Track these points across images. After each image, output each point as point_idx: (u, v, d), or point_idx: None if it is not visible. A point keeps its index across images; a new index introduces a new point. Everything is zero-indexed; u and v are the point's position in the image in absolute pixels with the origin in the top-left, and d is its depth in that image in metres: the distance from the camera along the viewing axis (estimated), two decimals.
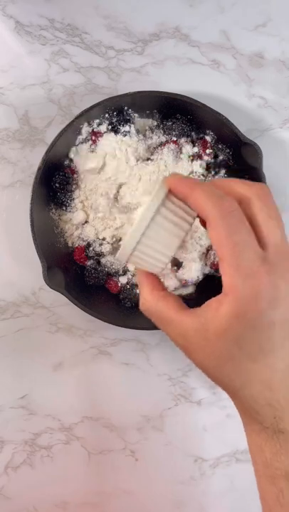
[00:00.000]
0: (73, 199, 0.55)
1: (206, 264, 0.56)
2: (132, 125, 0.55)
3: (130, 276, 0.56)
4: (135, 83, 0.58)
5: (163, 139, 0.55)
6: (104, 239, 0.55)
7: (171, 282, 0.56)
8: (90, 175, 0.54)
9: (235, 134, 0.52)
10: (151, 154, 0.55)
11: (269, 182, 0.52)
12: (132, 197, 0.52)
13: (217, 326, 0.31)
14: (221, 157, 0.55)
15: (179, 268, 0.57)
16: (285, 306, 0.31)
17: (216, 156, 0.56)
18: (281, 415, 0.32)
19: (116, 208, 0.54)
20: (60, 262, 0.54)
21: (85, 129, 0.54)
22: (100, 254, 0.55)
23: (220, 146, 0.55)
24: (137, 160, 0.54)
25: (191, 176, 0.54)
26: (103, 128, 0.54)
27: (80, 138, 0.55)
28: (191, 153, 0.55)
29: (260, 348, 0.31)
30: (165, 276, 0.56)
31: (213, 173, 0.55)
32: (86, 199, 0.55)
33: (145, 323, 0.54)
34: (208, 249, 0.55)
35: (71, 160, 0.55)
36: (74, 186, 0.55)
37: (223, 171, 0.55)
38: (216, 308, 0.32)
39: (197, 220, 0.37)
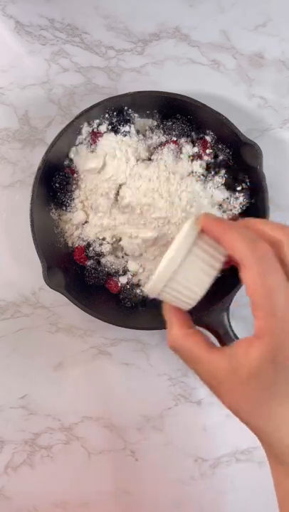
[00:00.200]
0: (73, 199, 0.55)
1: None
2: (132, 125, 0.55)
3: (130, 276, 0.56)
4: (135, 83, 0.58)
5: (163, 139, 0.55)
6: (104, 239, 0.55)
7: None
8: (90, 175, 0.54)
9: (235, 134, 0.52)
10: (151, 154, 0.55)
11: (269, 182, 0.52)
12: (132, 197, 0.52)
13: (249, 369, 0.31)
14: (221, 157, 0.55)
15: None
16: None
17: (216, 156, 0.56)
18: None
19: (116, 208, 0.54)
20: (60, 262, 0.54)
21: (85, 129, 0.54)
22: (100, 254, 0.55)
23: (220, 146, 0.55)
24: (137, 160, 0.54)
25: (191, 176, 0.54)
26: (103, 128, 0.54)
27: (80, 138, 0.55)
28: (191, 153, 0.55)
29: None
30: None
31: (213, 173, 0.55)
32: (86, 199, 0.55)
33: (145, 323, 0.55)
34: None
35: (71, 160, 0.55)
36: (74, 186, 0.55)
37: (223, 171, 0.55)
38: (246, 350, 0.32)
39: None
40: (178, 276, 0.36)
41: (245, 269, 0.32)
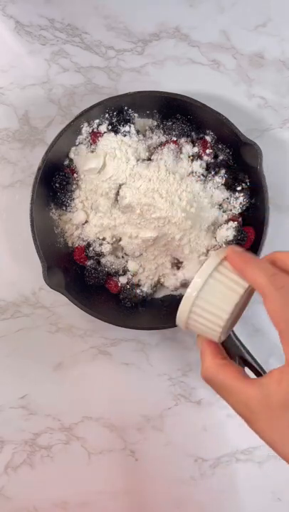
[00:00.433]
0: (73, 199, 0.55)
1: None
2: (132, 125, 0.55)
3: (130, 276, 0.56)
4: (135, 83, 0.58)
5: (163, 139, 0.55)
6: (104, 239, 0.55)
7: (171, 282, 0.56)
8: (90, 175, 0.54)
9: (235, 134, 0.52)
10: (151, 154, 0.55)
11: (269, 182, 0.52)
12: (132, 197, 0.52)
13: (281, 398, 0.32)
14: (221, 157, 0.55)
15: (178, 268, 0.57)
16: None
17: (216, 156, 0.56)
18: None
19: (116, 208, 0.54)
20: (60, 262, 0.54)
21: (85, 129, 0.54)
22: (100, 254, 0.55)
23: (220, 146, 0.55)
24: (137, 160, 0.54)
25: (191, 176, 0.54)
26: (103, 128, 0.54)
27: (80, 138, 0.55)
28: (191, 153, 0.55)
29: None
30: (165, 277, 0.57)
31: (213, 173, 0.55)
32: (86, 199, 0.55)
33: (145, 323, 0.55)
34: (208, 249, 0.55)
35: (71, 160, 0.55)
36: (74, 186, 0.55)
37: (223, 171, 0.54)
38: (279, 380, 0.32)
39: None
40: (201, 302, 0.38)
41: (266, 300, 0.33)
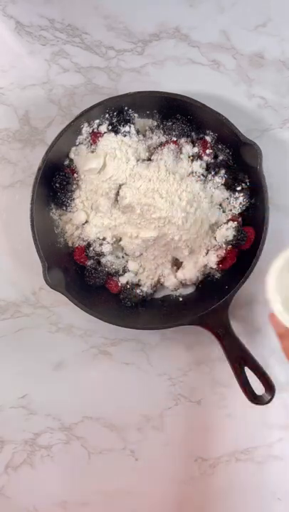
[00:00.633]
0: (73, 199, 0.55)
1: (206, 264, 0.56)
2: (132, 125, 0.55)
3: (130, 276, 0.56)
4: (135, 83, 0.58)
5: (163, 139, 0.55)
6: (104, 239, 0.55)
7: (171, 282, 0.56)
8: (90, 175, 0.54)
9: (235, 134, 0.52)
10: (151, 154, 0.55)
11: (269, 182, 0.52)
12: (133, 197, 0.52)
13: None
14: (221, 157, 0.55)
15: (178, 268, 0.57)
16: None
17: (216, 156, 0.56)
18: None
19: (116, 208, 0.54)
20: (60, 262, 0.54)
21: (85, 129, 0.54)
22: (100, 254, 0.55)
23: (220, 146, 0.55)
24: (137, 160, 0.54)
25: (191, 176, 0.54)
26: (103, 128, 0.54)
27: (81, 138, 0.55)
28: (191, 154, 0.55)
29: None
30: (165, 277, 0.57)
31: (213, 173, 0.55)
32: (86, 199, 0.55)
33: (145, 323, 0.55)
34: (208, 249, 0.55)
35: (71, 160, 0.55)
36: (74, 186, 0.55)
37: (223, 171, 0.55)
38: None
39: None
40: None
41: None
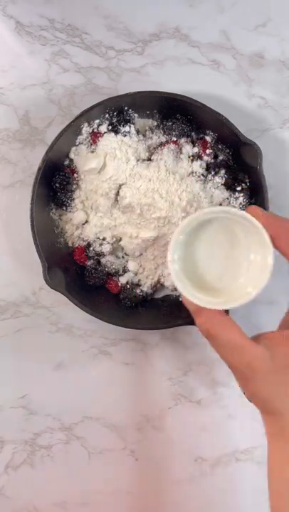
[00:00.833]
0: (73, 199, 0.55)
1: None
2: (132, 125, 0.55)
3: (130, 276, 0.56)
4: (135, 83, 0.58)
5: (163, 139, 0.55)
6: (104, 239, 0.55)
7: (171, 282, 0.56)
8: (90, 175, 0.54)
9: (235, 134, 0.52)
10: (151, 154, 0.55)
11: (269, 182, 0.52)
12: (132, 197, 0.52)
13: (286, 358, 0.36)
14: (220, 157, 0.55)
15: None
16: None
17: (216, 156, 0.56)
18: None
19: (116, 208, 0.54)
20: (60, 262, 0.54)
21: (85, 129, 0.54)
22: (100, 254, 0.55)
23: (220, 146, 0.55)
24: (137, 160, 0.54)
25: (191, 176, 0.54)
26: (103, 128, 0.54)
27: (80, 138, 0.55)
28: (191, 154, 0.55)
29: None
30: (165, 277, 0.57)
31: (213, 173, 0.55)
32: (86, 199, 0.55)
33: (145, 323, 0.55)
34: None
35: (71, 160, 0.55)
36: (74, 186, 0.55)
37: (223, 171, 0.55)
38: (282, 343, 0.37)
39: None
40: None
41: None
